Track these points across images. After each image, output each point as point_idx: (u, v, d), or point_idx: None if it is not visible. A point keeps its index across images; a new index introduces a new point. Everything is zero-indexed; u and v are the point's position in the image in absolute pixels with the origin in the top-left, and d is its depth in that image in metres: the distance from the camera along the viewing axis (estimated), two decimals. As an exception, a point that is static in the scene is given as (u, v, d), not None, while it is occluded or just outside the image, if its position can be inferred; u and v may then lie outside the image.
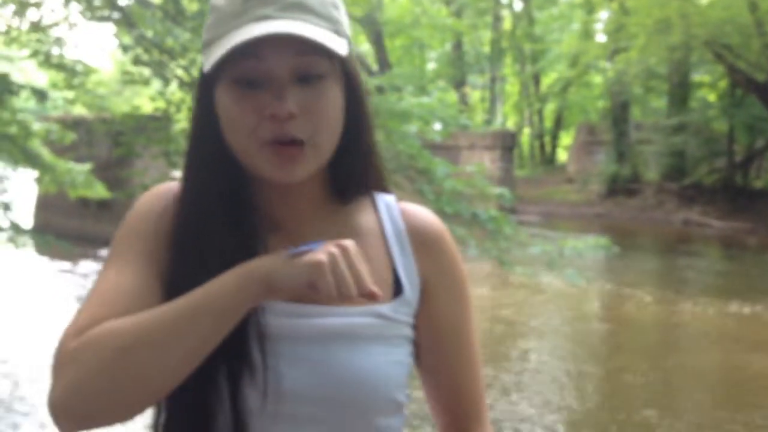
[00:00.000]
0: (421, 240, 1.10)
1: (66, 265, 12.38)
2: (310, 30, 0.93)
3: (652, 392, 7.10)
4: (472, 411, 1.12)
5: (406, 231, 1.10)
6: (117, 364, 0.83)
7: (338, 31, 0.98)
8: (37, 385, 6.51)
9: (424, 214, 1.13)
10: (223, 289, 0.87)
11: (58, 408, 0.84)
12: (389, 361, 1.01)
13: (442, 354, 1.09)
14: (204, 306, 0.86)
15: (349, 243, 0.87)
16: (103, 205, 15.02)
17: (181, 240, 0.99)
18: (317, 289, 0.84)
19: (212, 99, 0.99)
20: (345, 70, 1.01)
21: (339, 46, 0.95)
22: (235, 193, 1.02)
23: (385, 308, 1.03)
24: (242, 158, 0.98)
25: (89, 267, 12.45)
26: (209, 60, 0.95)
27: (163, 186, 1.08)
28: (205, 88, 1.01)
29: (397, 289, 1.06)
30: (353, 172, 1.07)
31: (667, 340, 9.49)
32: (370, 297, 0.86)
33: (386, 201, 1.13)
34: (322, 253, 0.85)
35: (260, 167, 0.97)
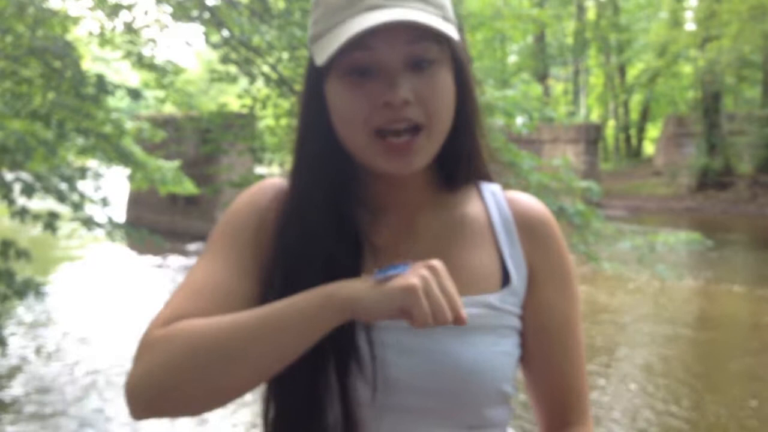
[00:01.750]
0: (528, 228, 1.07)
1: (156, 259, 12.79)
2: (420, 17, 0.91)
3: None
4: (576, 402, 1.09)
5: (512, 219, 1.08)
6: (183, 363, 0.84)
7: (446, 17, 0.97)
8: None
9: (530, 201, 1.11)
10: (303, 311, 0.85)
11: (130, 392, 0.86)
12: (497, 352, 0.99)
13: (547, 344, 1.06)
14: (283, 323, 0.84)
15: (438, 264, 0.84)
16: (190, 201, 15.46)
17: (286, 234, 0.99)
18: (410, 315, 0.81)
19: (322, 92, 0.99)
20: (454, 55, 0.99)
21: (450, 30, 0.94)
22: (344, 186, 1.01)
23: (493, 298, 1.01)
24: (354, 150, 0.97)
25: (178, 261, 12.82)
26: (322, 53, 0.94)
27: (267, 181, 1.08)
28: (314, 81, 1.00)
29: (505, 279, 1.04)
30: (462, 160, 1.06)
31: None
32: (459, 322, 0.82)
33: (492, 189, 1.11)
34: (414, 276, 0.82)
35: (373, 159, 0.96)
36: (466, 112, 1.02)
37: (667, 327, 9.45)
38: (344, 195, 1.01)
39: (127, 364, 7.04)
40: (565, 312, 1.07)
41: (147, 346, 0.87)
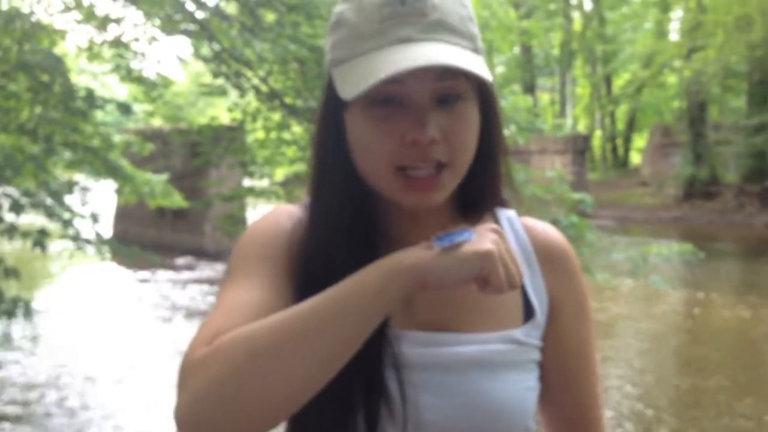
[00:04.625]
0: (547, 257, 1.06)
1: (145, 274, 12.68)
2: (455, 55, 0.88)
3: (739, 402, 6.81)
4: (593, 429, 1.08)
5: (532, 249, 1.06)
6: (248, 369, 0.76)
7: (476, 49, 0.94)
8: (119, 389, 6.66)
9: (548, 230, 1.09)
10: (366, 287, 0.80)
11: (183, 418, 0.77)
12: (524, 388, 0.98)
13: (566, 373, 1.05)
14: (346, 304, 0.79)
15: (501, 228, 0.85)
16: (179, 214, 15.37)
17: (309, 266, 0.95)
18: (485, 281, 0.81)
19: (342, 120, 0.95)
20: (481, 87, 0.96)
21: (482, 68, 0.90)
22: (363, 218, 0.98)
23: (518, 333, 1.00)
24: (373, 181, 0.94)
25: (167, 276, 12.72)
26: (348, 85, 0.90)
27: (281, 208, 1.05)
28: (333, 108, 0.96)
29: (527, 310, 1.02)
30: (485, 193, 1.04)
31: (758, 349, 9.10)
32: (515, 287, 0.83)
33: (508, 216, 1.09)
34: (486, 241, 0.82)
35: (393, 192, 0.93)
36: (491, 144, 1.00)
37: (655, 335, 9.46)
38: (366, 226, 0.98)
39: (115, 376, 6.95)
40: (584, 340, 1.06)
41: (196, 367, 0.78)
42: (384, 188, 0.94)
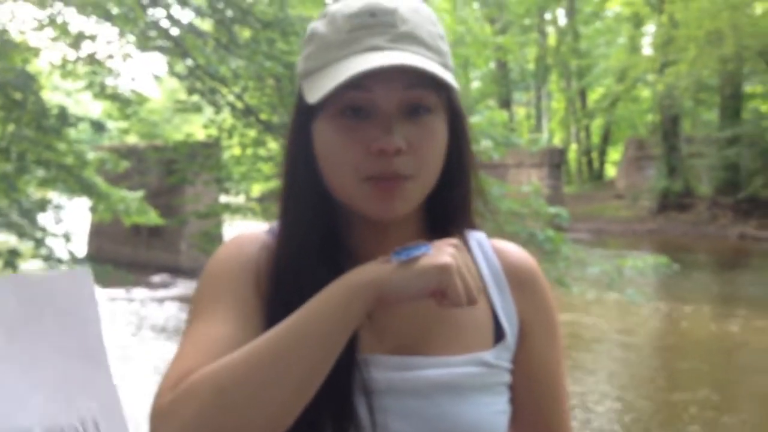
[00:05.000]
0: (518, 280, 1.06)
1: (120, 292, 12.54)
2: (423, 62, 0.88)
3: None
4: None
5: (502, 271, 1.05)
6: (218, 409, 0.74)
7: (446, 65, 0.94)
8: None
9: (518, 251, 1.09)
10: (327, 307, 0.79)
11: None
12: (494, 412, 0.97)
13: (537, 395, 1.04)
14: (310, 326, 0.78)
15: (459, 243, 0.84)
16: (154, 232, 15.23)
17: (280, 288, 0.94)
18: (443, 295, 0.80)
19: (310, 131, 0.95)
20: (451, 105, 0.97)
21: (449, 78, 0.91)
22: (331, 237, 0.97)
23: (488, 355, 0.98)
24: (339, 193, 0.94)
25: (142, 294, 12.60)
26: (314, 91, 0.90)
27: (245, 235, 1.03)
28: (302, 119, 0.96)
29: (497, 334, 1.01)
30: (453, 211, 1.03)
31: (737, 360, 9.18)
32: (474, 303, 0.82)
33: (477, 238, 1.08)
34: (444, 255, 0.81)
35: (359, 202, 0.92)
36: (461, 163, 1.00)
37: (632, 347, 9.51)
38: (335, 246, 0.97)
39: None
40: (554, 362, 1.06)
41: (165, 412, 0.77)
42: (351, 199, 0.93)
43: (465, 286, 0.80)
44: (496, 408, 0.97)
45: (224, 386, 0.75)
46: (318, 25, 0.95)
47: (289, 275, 0.94)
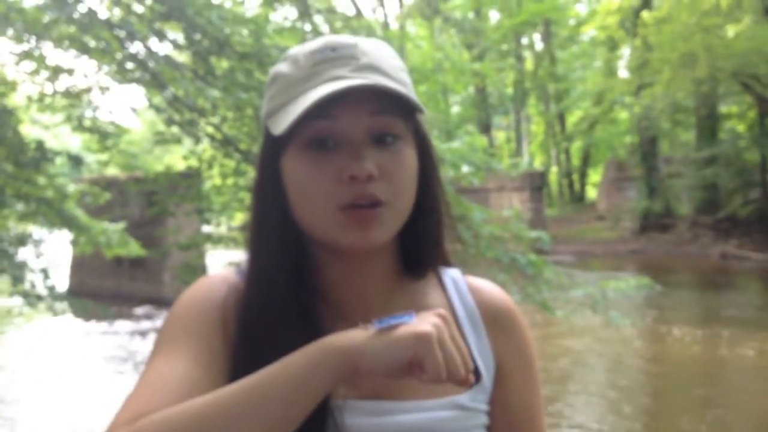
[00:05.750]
0: (492, 318, 1.03)
1: (103, 325, 12.42)
2: (387, 84, 0.89)
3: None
4: None
5: (477, 310, 1.03)
6: None
7: (409, 93, 0.94)
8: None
9: (493, 290, 1.07)
10: (293, 370, 0.75)
11: None
12: None
13: None
14: (271, 389, 0.74)
15: (447, 313, 0.78)
16: (136, 263, 15.14)
17: (247, 331, 0.92)
18: (421, 368, 0.74)
19: (278, 168, 0.94)
20: (417, 133, 0.97)
21: (417, 101, 0.91)
22: (301, 276, 0.95)
23: (464, 398, 0.96)
24: (313, 227, 0.92)
25: (126, 326, 12.48)
26: (280, 124, 0.90)
27: (215, 276, 1.01)
28: (269, 157, 0.96)
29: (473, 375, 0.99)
30: (428, 245, 1.01)
31: (721, 379, 9.20)
32: (466, 382, 0.76)
33: (452, 276, 1.07)
34: (425, 324, 0.76)
35: (334, 233, 0.90)
36: (431, 193, 0.99)
37: (617, 369, 9.51)
38: (303, 289, 0.94)
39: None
40: (532, 402, 1.04)
41: None
42: (325, 231, 0.91)
43: (448, 361, 0.74)
44: None
45: None
46: (280, 67, 0.96)
47: (257, 318, 0.92)
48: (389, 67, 0.93)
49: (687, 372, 9.55)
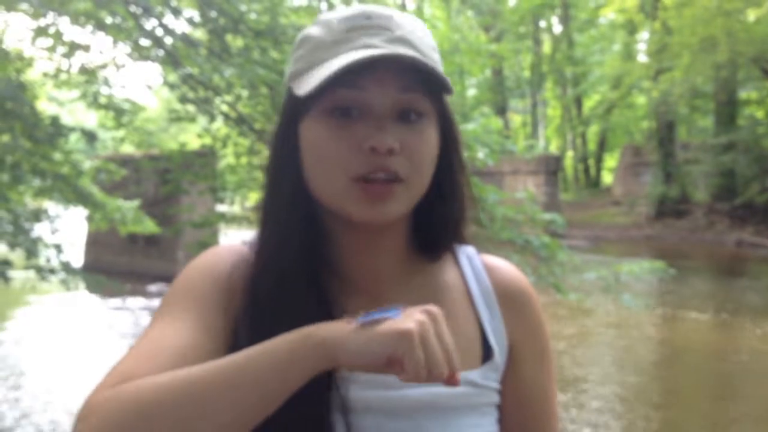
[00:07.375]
0: (508, 299, 1.03)
1: (116, 302, 12.51)
2: (419, 58, 0.87)
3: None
4: None
5: (492, 289, 1.03)
6: (128, 426, 0.71)
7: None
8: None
9: (509, 269, 1.06)
10: (272, 356, 0.73)
11: None
12: None
13: (526, 417, 1.01)
14: (247, 373, 0.72)
15: (436, 310, 0.75)
16: (150, 241, 15.23)
17: (257, 298, 0.91)
18: (401, 366, 0.71)
19: (297, 132, 0.93)
20: (443, 112, 0.95)
21: (446, 79, 0.89)
22: (314, 250, 0.93)
23: (474, 374, 0.95)
24: (327, 196, 0.91)
25: (139, 303, 12.57)
26: (304, 86, 0.88)
27: (221, 247, 1.00)
28: (289, 119, 0.94)
29: (486, 353, 0.98)
30: (442, 224, 0.99)
31: (734, 367, 9.16)
32: (452, 382, 0.73)
33: (468, 254, 1.05)
34: (409, 320, 0.72)
35: (347, 205, 0.89)
36: (452, 173, 0.97)
37: (630, 355, 9.49)
38: (315, 260, 0.93)
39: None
40: (545, 385, 1.03)
41: (91, 410, 0.74)
42: (338, 202, 0.90)
43: (429, 359, 0.71)
44: (482, 430, 0.94)
45: (148, 411, 0.72)
46: (311, 30, 0.94)
47: (266, 286, 0.91)
48: (422, 44, 0.91)
49: (700, 355, 9.52)
